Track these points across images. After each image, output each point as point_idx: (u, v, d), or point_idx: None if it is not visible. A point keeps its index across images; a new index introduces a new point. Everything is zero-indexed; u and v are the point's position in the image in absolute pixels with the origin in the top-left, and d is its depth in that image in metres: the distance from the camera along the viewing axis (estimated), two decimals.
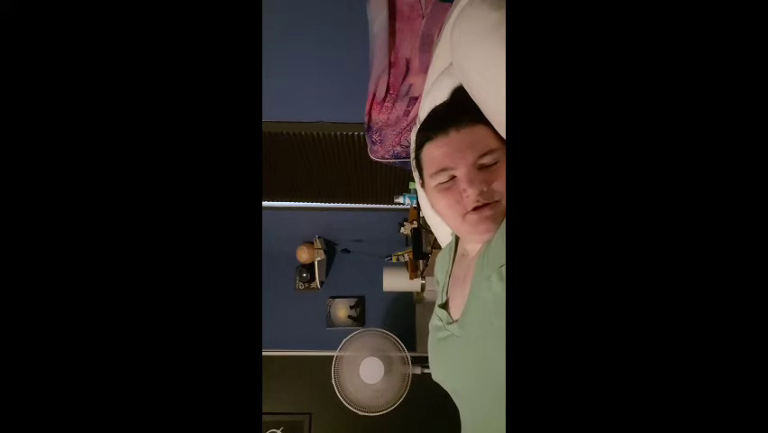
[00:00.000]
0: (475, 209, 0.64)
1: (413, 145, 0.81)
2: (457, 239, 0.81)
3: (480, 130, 0.66)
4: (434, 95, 0.80)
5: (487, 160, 0.65)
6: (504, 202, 0.64)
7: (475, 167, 0.65)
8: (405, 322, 2.96)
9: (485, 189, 0.64)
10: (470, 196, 0.64)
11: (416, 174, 0.80)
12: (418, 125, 0.80)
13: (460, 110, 0.70)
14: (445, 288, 0.78)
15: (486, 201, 0.64)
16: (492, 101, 0.63)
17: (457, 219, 0.67)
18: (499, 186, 0.64)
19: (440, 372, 0.75)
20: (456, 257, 0.80)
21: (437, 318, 0.76)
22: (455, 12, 0.72)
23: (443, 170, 0.67)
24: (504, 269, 0.57)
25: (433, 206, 0.74)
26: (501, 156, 0.65)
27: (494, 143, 0.65)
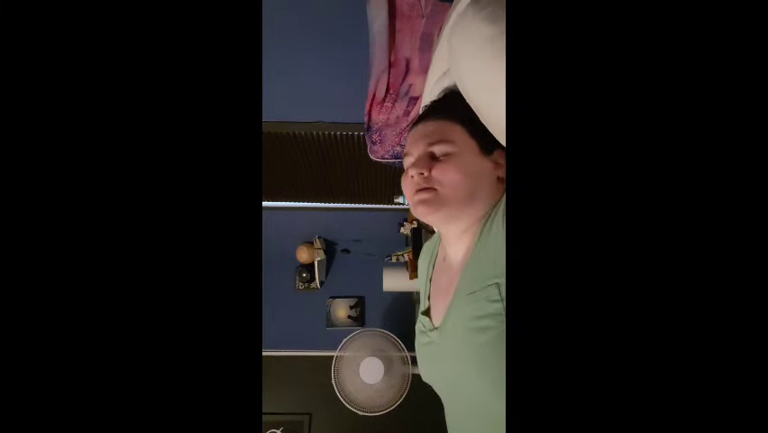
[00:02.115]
0: (416, 192, 0.68)
1: None
2: (439, 240, 0.83)
3: (442, 125, 0.70)
4: (432, 95, 0.81)
5: (436, 149, 0.68)
6: (443, 192, 0.66)
7: (425, 154, 0.68)
8: (405, 322, 2.96)
9: (424, 174, 0.67)
10: (414, 177, 0.68)
11: None
12: None
13: (434, 108, 0.75)
14: (427, 293, 0.80)
15: (425, 186, 0.67)
16: (488, 108, 0.64)
17: (409, 201, 0.72)
18: (440, 175, 0.67)
19: (427, 375, 0.78)
20: (437, 261, 0.81)
21: (421, 324, 0.78)
22: (452, 18, 0.72)
23: (405, 155, 0.73)
24: (491, 288, 0.58)
25: None
26: (456, 151, 0.67)
27: (451, 137, 0.68)
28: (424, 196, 0.67)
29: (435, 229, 0.78)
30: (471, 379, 0.61)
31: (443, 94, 0.78)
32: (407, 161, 0.72)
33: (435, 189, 0.66)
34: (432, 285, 0.79)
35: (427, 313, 0.77)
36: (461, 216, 0.67)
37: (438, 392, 0.77)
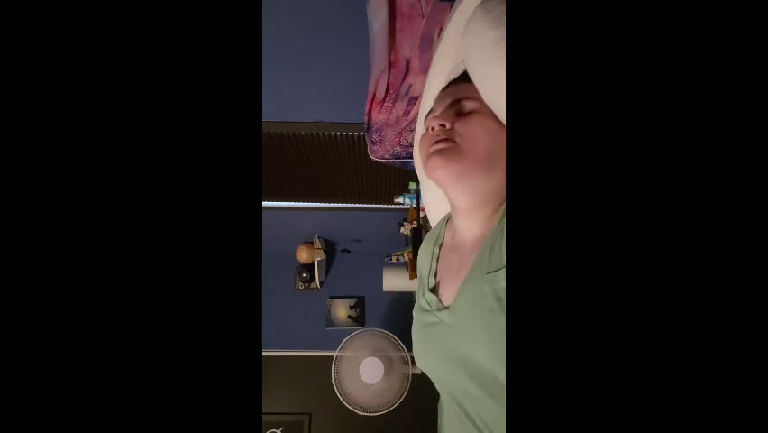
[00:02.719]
0: (434, 143, 0.65)
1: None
2: (446, 222, 0.81)
3: (470, 85, 0.68)
4: (452, 76, 0.81)
5: (464, 104, 0.66)
6: (463, 145, 0.64)
7: (451, 108, 0.66)
8: (405, 322, 2.94)
9: (447, 126, 0.64)
10: (435, 129, 0.65)
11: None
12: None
13: (460, 78, 0.73)
14: (433, 271, 0.76)
15: (444, 137, 0.64)
16: (496, 106, 0.64)
17: (422, 158, 0.68)
18: (462, 128, 0.64)
19: (425, 359, 0.74)
20: (445, 240, 0.78)
21: (425, 302, 0.74)
22: (459, 18, 0.72)
23: (430, 113, 0.70)
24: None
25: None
26: (482, 108, 0.65)
27: (479, 96, 0.66)
28: (441, 146, 0.64)
29: (444, 193, 0.75)
30: (485, 362, 0.58)
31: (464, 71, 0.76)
32: (428, 120, 0.69)
33: (456, 143, 0.64)
34: (439, 264, 0.76)
35: (434, 291, 0.74)
36: (473, 178, 0.64)
37: (434, 378, 0.73)
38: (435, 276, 0.75)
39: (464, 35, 0.67)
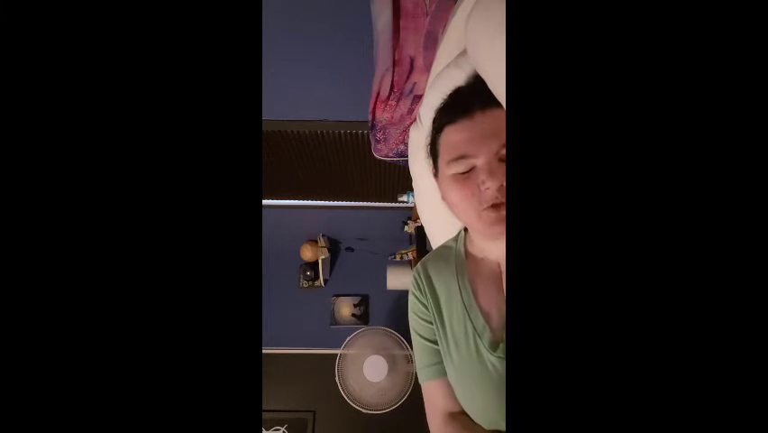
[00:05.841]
0: (493, 206, 0.58)
1: (428, 130, 0.74)
2: (453, 248, 0.74)
3: (502, 116, 0.59)
4: (441, 85, 0.76)
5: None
6: None
7: (497, 157, 0.58)
8: (408, 320, 2.96)
9: (504, 184, 0.57)
10: (490, 189, 0.58)
11: (429, 162, 0.74)
12: (432, 113, 0.73)
13: (485, 93, 0.63)
14: (474, 308, 0.67)
15: (502, 200, 0.58)
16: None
17: (471, 214, 0.61)
18: None
19: (491, 408, 0.64)
20: (470, 269, 0.71)
21: (487, 353, 0.64)
22: (463, 13, 0.71)
23: (463, 157, 0.61)
24: None
25: (444, 196, 0.68)
26: None
27: None
28: (505, 212, 0.56)
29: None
30: None
31: (471, 78, 0.68)
32: (462, 165, 0.61)
33: None
34: (479, 300, 0.67)
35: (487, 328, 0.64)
36: None
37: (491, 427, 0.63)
38: (485, 318, 0.67)
39: (474, 14, 0.62)
